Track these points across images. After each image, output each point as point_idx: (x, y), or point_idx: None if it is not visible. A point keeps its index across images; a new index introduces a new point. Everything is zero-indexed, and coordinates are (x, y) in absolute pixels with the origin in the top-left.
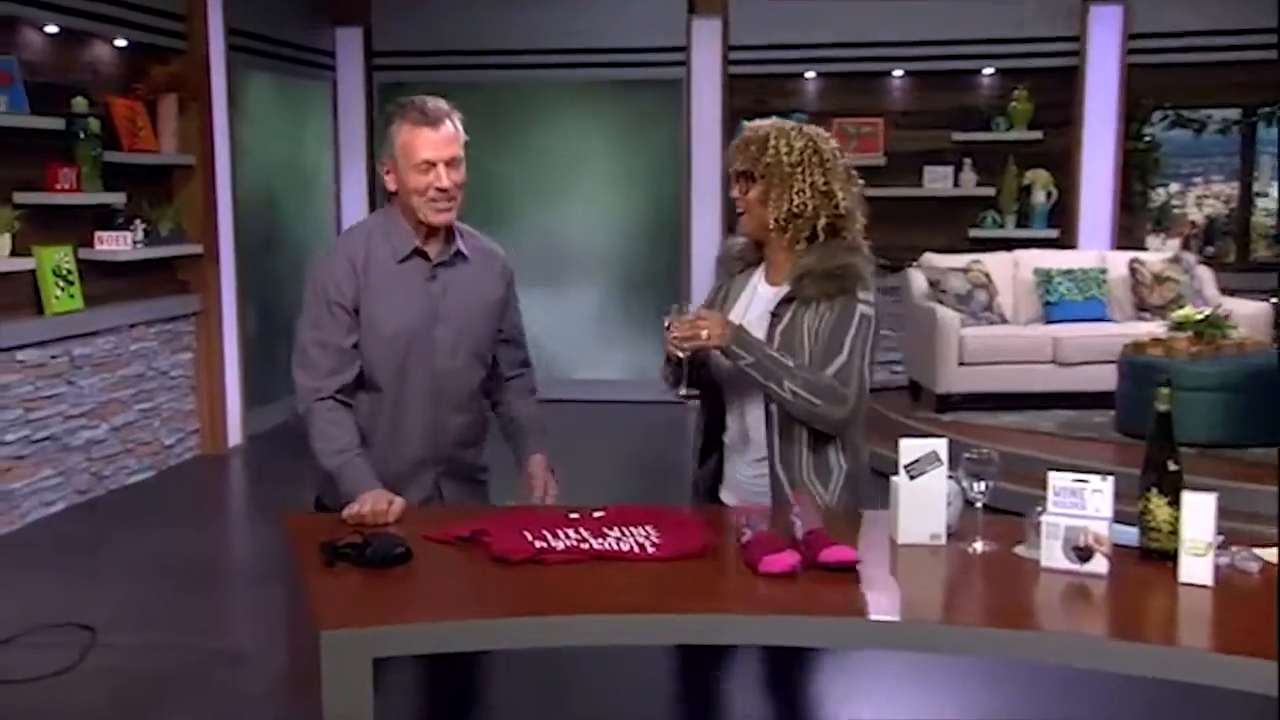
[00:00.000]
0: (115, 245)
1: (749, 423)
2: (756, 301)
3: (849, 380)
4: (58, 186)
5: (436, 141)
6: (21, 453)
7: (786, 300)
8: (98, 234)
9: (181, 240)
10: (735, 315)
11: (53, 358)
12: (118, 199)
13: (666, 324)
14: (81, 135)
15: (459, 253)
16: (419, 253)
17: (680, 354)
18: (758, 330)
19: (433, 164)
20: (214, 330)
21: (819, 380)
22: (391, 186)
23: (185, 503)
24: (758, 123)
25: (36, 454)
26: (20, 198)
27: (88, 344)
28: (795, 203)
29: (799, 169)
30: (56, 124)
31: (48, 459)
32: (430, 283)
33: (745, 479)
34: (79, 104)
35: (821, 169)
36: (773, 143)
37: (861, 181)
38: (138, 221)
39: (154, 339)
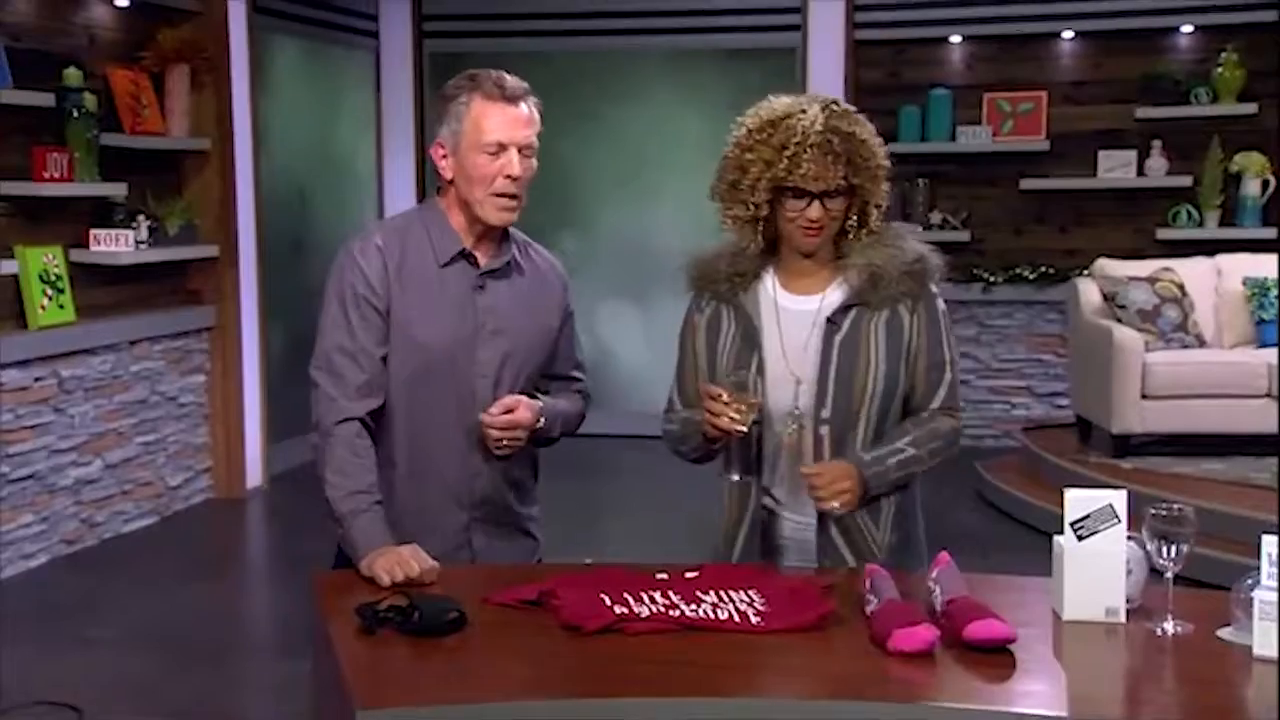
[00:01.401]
0: (114, 246)
1: (795, 475)
2: (788, 319)
3: (958, 400)
4: (46, 175)
5: (514, 121)
6: None
7: (844, 307)
8: (93, 232)
9: (193, 240)
10: (771, 347)
11: (37, 380)
12: (117, 190)
13: (717, 396)
14: (74, 113)
15: (513, 262)
16: (466, 257)
17: (740, 430)
18: (810, 351)
19: (505, 147)
20: (231, 348)
21: (938, 437)
22: (448, 174)
23: (193, 556)
24: (784, 107)
25: (15, 496)
26: (1, 188)
27: (80, 364)
28: (885, 199)
29: (883, 157)
30: (45, 100)
31: (29, 502)
32: (477, 293)
33: (796, 529)
34: (72, 76)
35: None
36: (863, 137)
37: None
38: (141, 218)
39: (159, 358)
